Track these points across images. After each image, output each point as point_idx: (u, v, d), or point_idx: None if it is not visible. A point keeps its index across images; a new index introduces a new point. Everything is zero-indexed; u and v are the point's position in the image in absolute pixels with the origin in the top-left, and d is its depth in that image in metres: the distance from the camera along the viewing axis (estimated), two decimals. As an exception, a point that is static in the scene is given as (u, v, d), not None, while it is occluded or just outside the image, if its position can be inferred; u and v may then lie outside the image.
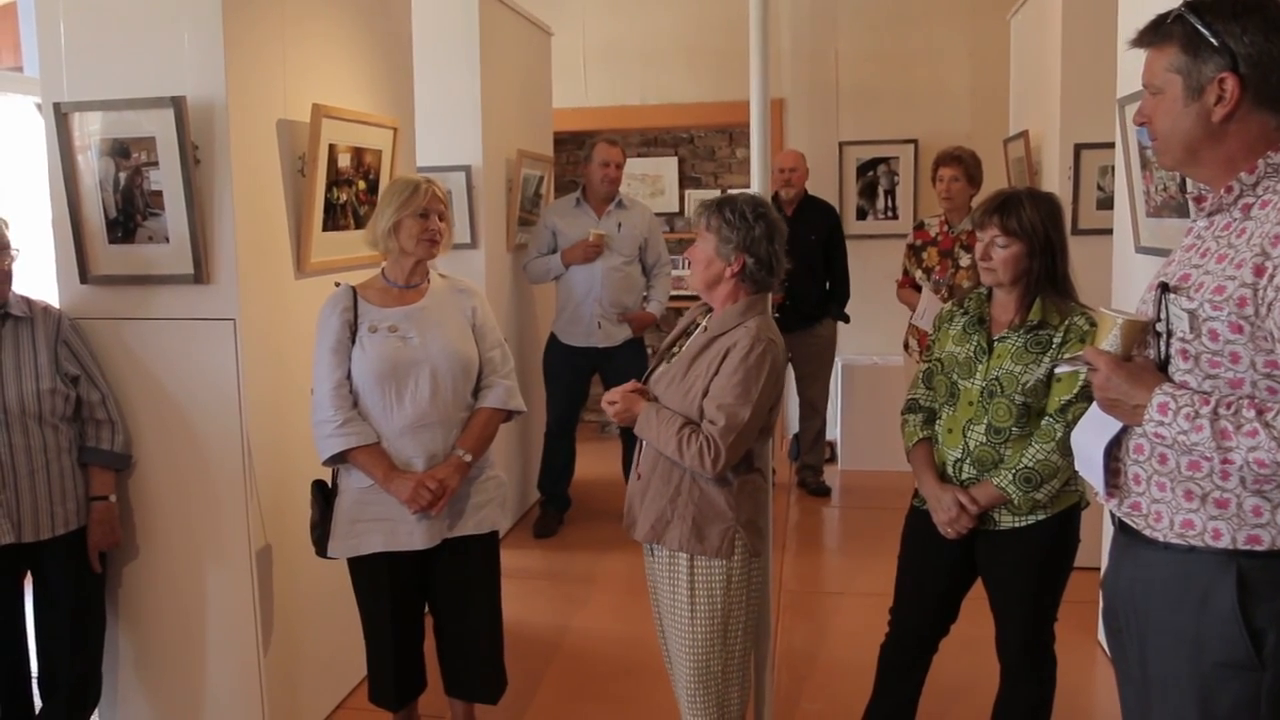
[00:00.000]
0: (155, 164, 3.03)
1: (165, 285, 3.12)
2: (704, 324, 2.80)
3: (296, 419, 3.20)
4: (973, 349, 2.83)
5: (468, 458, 2.97)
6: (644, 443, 2.79)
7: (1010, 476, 2.71)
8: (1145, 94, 1.96)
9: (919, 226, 5.40)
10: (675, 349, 2.86)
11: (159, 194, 3.05)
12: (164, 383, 3.18)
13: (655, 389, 2.76)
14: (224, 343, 3.12)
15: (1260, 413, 1.75)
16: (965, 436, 2.80)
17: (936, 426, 2.91)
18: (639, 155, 8.05)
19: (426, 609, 3.16)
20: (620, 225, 5.46)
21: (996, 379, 2.74)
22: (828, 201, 6.23)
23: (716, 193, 2.90)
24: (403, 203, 2.96)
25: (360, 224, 3.62)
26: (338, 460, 2.93)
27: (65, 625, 3.08)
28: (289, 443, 3.33)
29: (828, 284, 6.13)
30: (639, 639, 4.26)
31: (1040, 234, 2.72)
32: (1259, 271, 1.75)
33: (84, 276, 3.16)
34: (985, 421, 2.76)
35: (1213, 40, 1.83)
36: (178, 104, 2.97)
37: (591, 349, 5.45)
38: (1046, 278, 2.74)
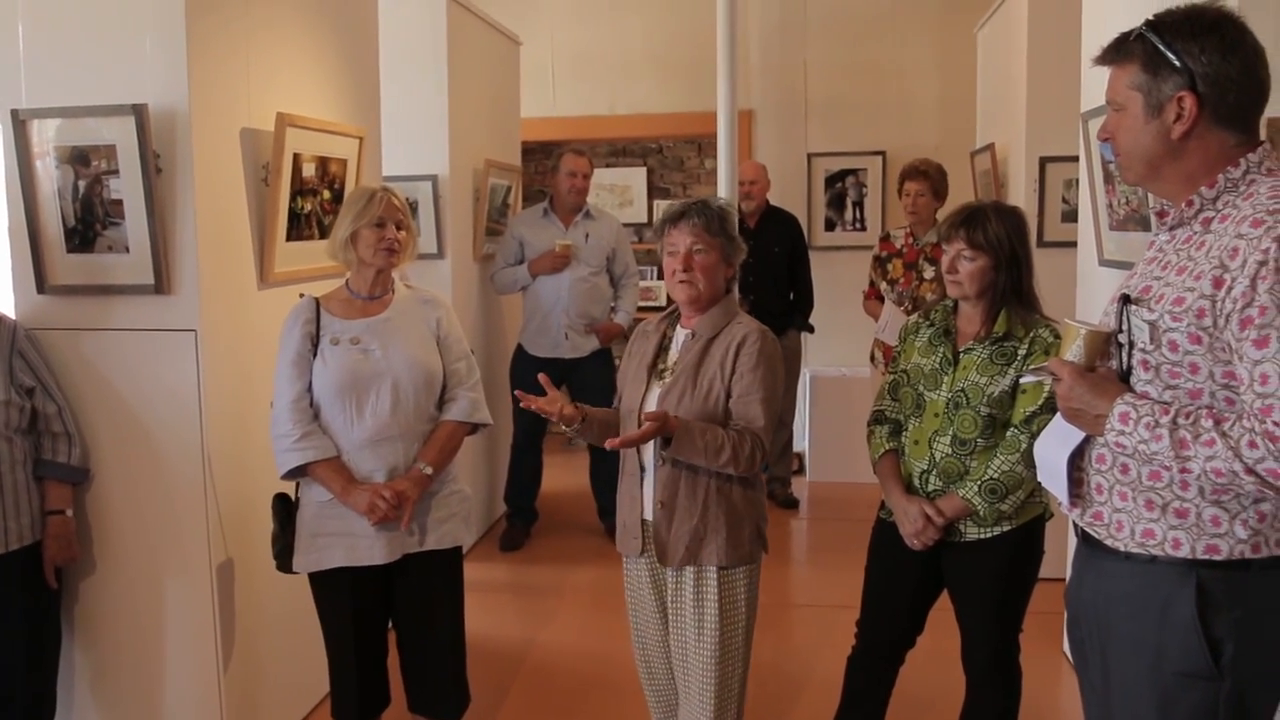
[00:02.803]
0: (115, 172, 3.00)
1: (125, 295, 3.09)
2: (691, 331, 2.80)
3: (258, 432, 3.18)
4: (939, 361, 2.84)
5: (428, 470, 2.95)
6: (654, 471, 2.77)
7: (976, 488, 2.73)
8: (1108, 110, 1.99)
9: (885, 238, 5.44)
10: (661, 365, 2.85)
11: (119, 203, 3.02)
12: (123, 395, 3.15)
13: (666, 405, 2.73)
14: (185, 354, 3.10)
15: (1217, 422, 1.78)
16: (931, 448, 2.81)
17: (903, 438, 2.92)
18: (607, 165, 8.05)
19: (390, 624, 3.14)
20: (588, 235, 5.46)
21: (962, 390, 2.76)
22: (790, 213, 6.25)
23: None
24: (358, 213, 2.95)
25: (325, 234, 3.60)
26: (297, 474, 2.92)
27: (20, 642, 3.03)
28: (251, 456, 3.31)
29: (791, 295, 6.16)
30: (607, 654, 4.25)
31: (1006, 247, 2.75)
32: (1217, 284, 1.78)
33: (41, 286, 3.13)
34: (951, 433, 2.78)
35: (1173, 59, 1.86)
36: (139, 111, 2.95)
37: (559, 360, 5.44)
38: (1012, 290, 2.77)
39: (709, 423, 2.68)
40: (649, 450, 2.79)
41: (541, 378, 2.82)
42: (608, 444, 2.64)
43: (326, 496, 2.91)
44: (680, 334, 2.86)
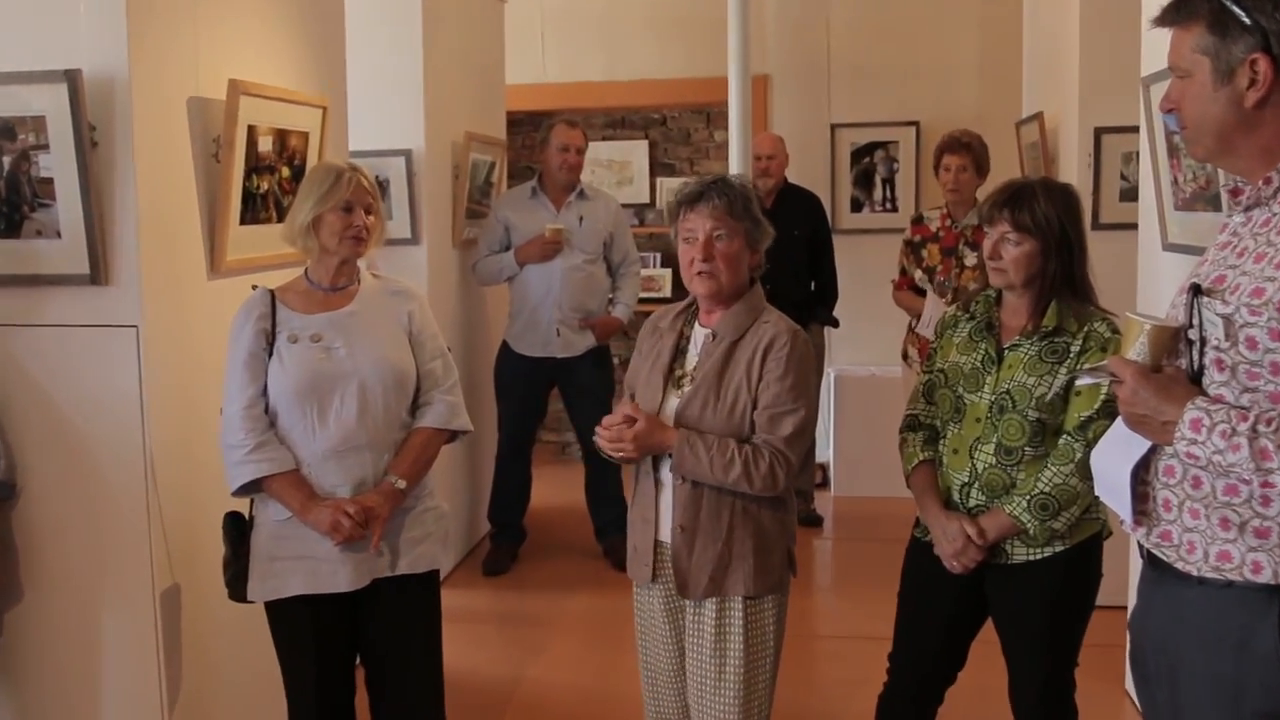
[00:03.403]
0: (45, 147, 2.98)
1: (56, 287, 3.08)
2: (712, 331, 2.79)
3: (208, 441, 3.17)
4: (980, 359, 2.84)
5: (401, 484, 2.95)
6: (669, 491, 2.76)
7: (1024, 503, 2.72)
8: (1172, 77, 1.97)
9: (917, 221, 5.42)
10: (679, 370, 2.84)
11: (49, 182, 3.00)
12: (55, 399, 3.13)
13: (685, 419, 2.73)
14: (125, 353, 3.09)
15: (1304, 431, 1.76)
16: (972, 458, 2.81)
17: (940, 446, 2.92)
18: (604, 139, 8.04)
19: (357, 660, 3.13)
20: (582, 218, 5.45)
21: (1007, 392, 2.76)
22: (811, 191, 6.25)
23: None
24: (323, 195, 2.94)
25: (284, 216, 3.59)
26: (251, 490, 2.91)
27: (-62, 680, 3.02)
28: (200, 469, 3.30)
29: (813, 285, 6.15)
30: (606, 692, 4.24)
31: (1056, 230, 2.74)
32: (1302, 272, 1.76)
33: (-40, 277, 3.12)
34: (995, 440, 2.77)
35: (1243, 18, 1.84)
36: (72, 79, 2.94)
37: (549, 359, 5.44)
38: (1063, 279, 2.77)
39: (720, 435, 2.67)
40: (666, 464, 2.78)
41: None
42: (621, 404, 2.73)
43: (284, 515, 2.91)
44: (699, 333, 2.84)
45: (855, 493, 6.70)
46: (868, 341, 6.96)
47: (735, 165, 5.86)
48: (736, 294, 2.77)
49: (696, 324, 2.86)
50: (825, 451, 6.94)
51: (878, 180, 7.15)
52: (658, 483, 2.79)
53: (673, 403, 2.77)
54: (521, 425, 5.61)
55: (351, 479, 2.91)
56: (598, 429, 2.79)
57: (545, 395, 5.66)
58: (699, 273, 2.74)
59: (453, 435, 3.11)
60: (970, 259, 5.11)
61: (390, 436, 2.97)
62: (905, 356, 5.51)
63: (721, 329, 2.76)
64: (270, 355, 2.92)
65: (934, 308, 5.14)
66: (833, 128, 7.13)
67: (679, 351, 2.86)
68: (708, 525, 2.72)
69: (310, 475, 2.90)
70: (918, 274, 5.32)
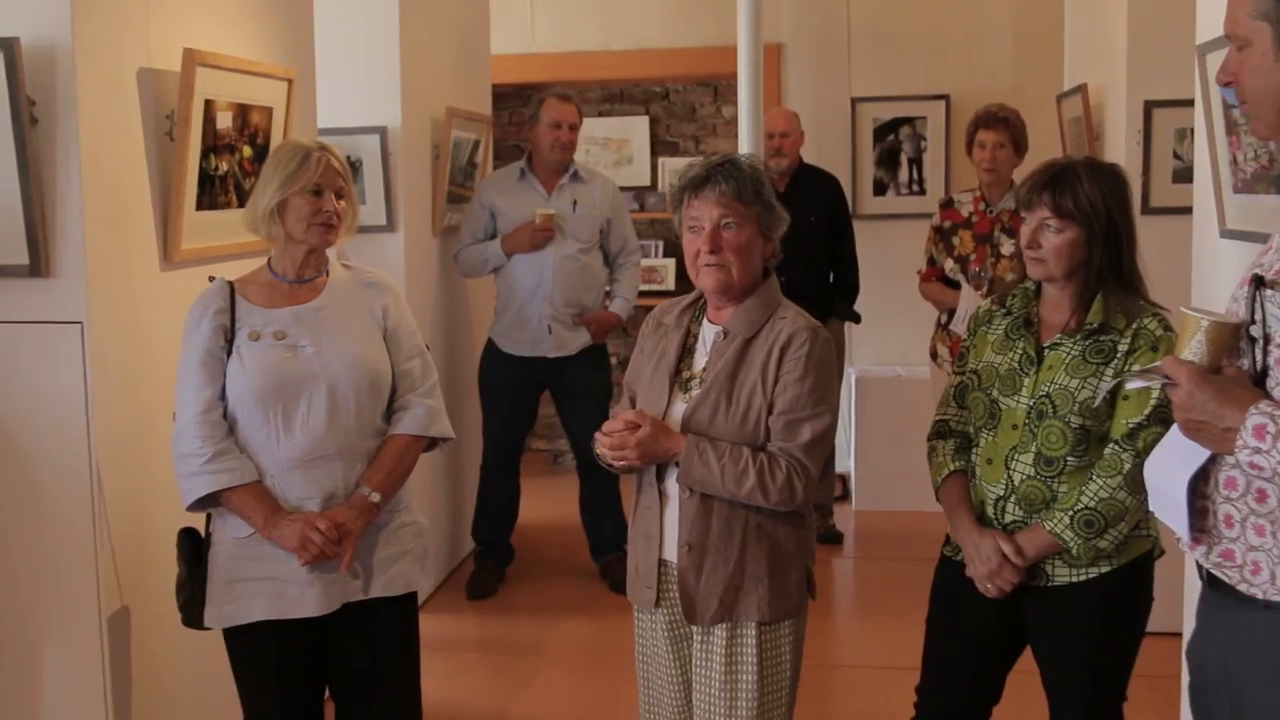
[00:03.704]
0: (-22, 124, 2.98)
1: (-8, 279, 3.08)
2: (723, 329, 2.79)
3: (161, 450, 3.17)
4: (1017, 359, 2.84)
5: (375, 497, 2.95)
6: (675, 505, 2.76)
7: (1066, 519, 2.72)
8: (1229, 47, 1.96)
9: (947, 205, 5.42)
10: (686, 372, 2.83)
11: (-17, 162, 3.00)
12: (-10, 404, 3.13)
13: (694, 424, 2.73)
14: (69, 352, 3.08)
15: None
16: (1009, 468, 2.81)
17: (973, 456, 2.92)
18: (600, 114, 8.04)
19: (326, 693, 3.13)
20: (576, 203, 5.45)
21: (1047, 396, 2.75)
22: (829, 173, 6.25)
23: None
24: (288, 176, 2.94)
25: (245, 201, 3.58)
26: (208, 504, 2.91)
27: None
28: (152, 480, 3.30)
29: (831, 276, 6.15)
30: (600, 726, 4.25)
31: (1101, 215, 2.74)
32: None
33: (-114, 268, 3.11)
34: (1033, 450, 2.77)
35: None
36: (8, 47, 2.92)
37: (540, 359, 5.43)
38: (1109, 269, 2.76)
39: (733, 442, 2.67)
40: (672, 471, 2.77)
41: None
42: (617, 413, 2.75)
43: (246, 531, 2.90)
44: (709, 331, 2.84)
45: (879, 506, 6.70)
46: (892, 339, 6.97)
47: (745, 144, 5.85)
48: (748, 288, 2.77)
49: (705, 320, 2.86)
50: (845, 461, 6.93)
51: (903, 160, 7.14)
52: (662, 495, 2.78)
53: (679, 407, 2.77)
54: (509, 432, 5.60)
55: (320, 491, 2.91)
56: (598, 435, 2.79)
57: (535, 399, 5.65)
58: (706, 265, 2.73)
59: (432, 443, 3.11)
60: (1007, 247, 5.11)
61: (363, 444, 2.98)
62: (934, 355, 5.51)
63: (734, 326, 2.76)
64: (229, 354, 2.92)
65: (969, 301, 5.13)
66: (853, 102, 7.12)
67: (686, 351, 2.85)
68: (718, 543, 2.71)
69: (274, 487, 2.90)
70: (948, 264, 5.32)
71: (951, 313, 5.30)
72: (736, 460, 2.63)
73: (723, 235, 2.71)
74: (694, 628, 2.78)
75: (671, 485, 2.76)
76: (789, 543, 2.75)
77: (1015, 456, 2.80)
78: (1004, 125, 5.21)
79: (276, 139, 3.79)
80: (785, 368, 2.68)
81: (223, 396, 2.91)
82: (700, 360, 2.81)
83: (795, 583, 2.76)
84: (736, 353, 2.73)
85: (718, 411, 2.70)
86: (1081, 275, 2.78)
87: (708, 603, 2.73)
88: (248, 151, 3.68)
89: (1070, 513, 2.71)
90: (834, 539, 6.23)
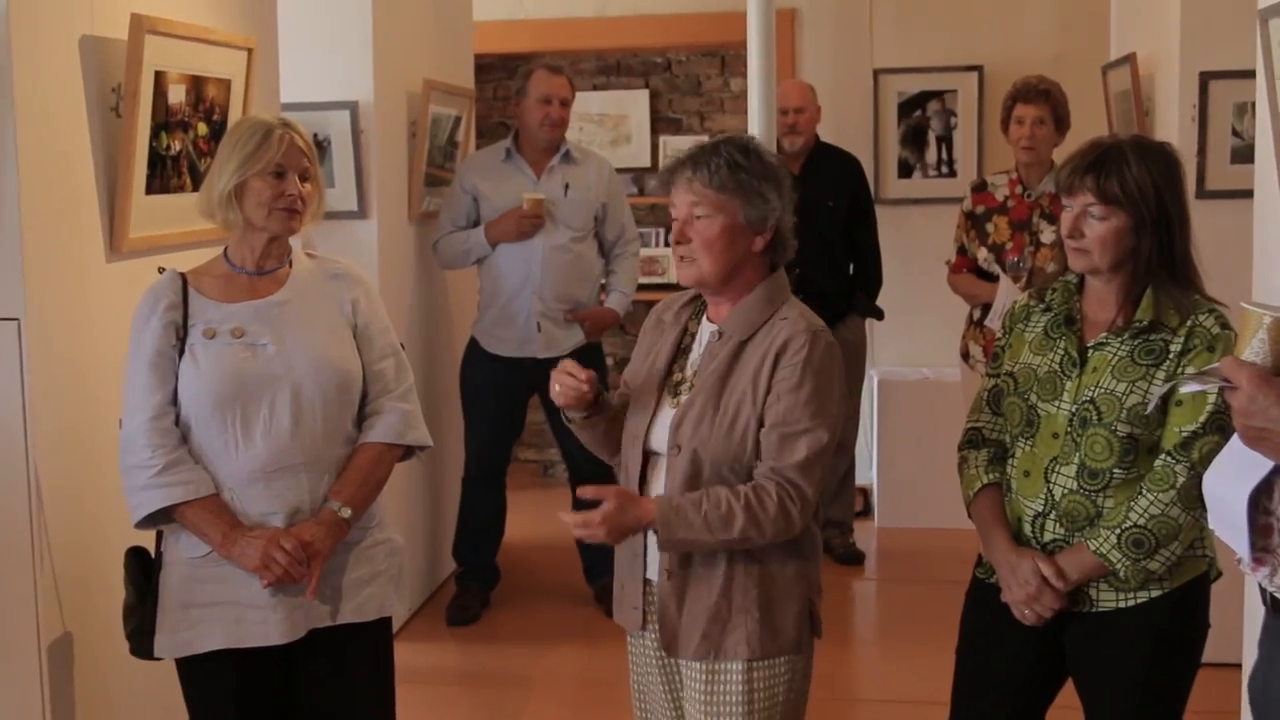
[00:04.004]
0: (-98, 99, 2.99)
1: (-82, 271, 3.07)
2: (716, 329, 2.79)
3: (107, 460, 3.16)
4: (1058, 360, 2.83)
5: (346, 513, 2.94)
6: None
7: (1113, 538, 2.71)
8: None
9: (979, 188, 5.41)
10: (678, 376, 2.83)
11: (-93, 142, 3.01)
12: (-84, 409, 3.12)
13: (680, 435, 2.73)
14: (4, 352, 3.07)
15: None
16: (1048, 482, 2.80)
17: (1009, 468, 2.92)
18: (594, 88, 8.03)
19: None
20: (568, 187, 5.45)
21: (1091, 401, 2.75)
22: (849, 153, 6.25)
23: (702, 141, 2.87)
24: (248, 156, 2.93)
25: (200, 183, 3.58)
26: (158, 520, 2.90)
27: None
28: (98, 492, 3.29)
29: (851, 268, 6.16)
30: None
31: (1151, 200, 2.73)
32: None
33: None
34: (1076, 461, 2.77)
35: None
36: (-64, 13, 2.93)
37: (528, 360, 5.42)
38: (1160, 261, 2.75)
39: (717, 478, 2.66)
40: (658, 483, 2.77)
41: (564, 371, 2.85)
42: (579, 491, 2.65)
43: (201, 550, 2.90)
44: (706, 330, 2.84)
45: (904, 523, 6.70)
46: (919, 337, 6.96)
47: (755, 121, 5.81)
48: (736, 284, 2.76)
49: (704, 319, 2.86)
50: (867, 473, 6.93)
51: (931, 138, 7.14)
52: None
53: (667, 413, 2.78)
54: (494, 441, 5.60)
55: (284, 506, 2.91)
56: (561, 516, 2.75)
57: (523, 404, 5.65)
58: (678, 258, 2.76)
59: (408, 452, 3.11)
60: (1047, 235, 5.10)
61: (331, 453, 2.98)
62: (966, 356, 5.51)
63: (729, 326, 2.75)
64: (181, 354, 2.92)
65: (1008, 295, 5.11)
66: (876, 74, 7.11)
67: (681, 351, 2.85)
68: (701, 571, 2.71)
69: (233, 502, 2.90)
70: (980, 253, 5.32)
71: (985, 308, 5.30)
72: (718, 505, 2.61)
73: (693, 226, 2.72)
74: (680, 660, 2.78)
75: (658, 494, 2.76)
76: (784, 573, 2.72)
77: (1056, 468, 2.79)
78: (1044, 99, 5.20)
79: (235, 115, 3.78)
80: (779, 375, 2.66)
81: (175, 401, 2.90)
82: (693, 363, 2.81)
83: (793, 617, 2.73)
84: (730, 355, 2.72)
85: (703, 420, 2.69)
86: (1129, 267, 2.77)
87: (690, 635, 2.72)
88: (203, 129, 3.67)
89: (1117, 531, 2.70)
90: (854, 559, 6.23)
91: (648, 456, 2.81)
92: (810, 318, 2.74)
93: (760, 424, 2.67)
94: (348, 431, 3.02)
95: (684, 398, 2.76)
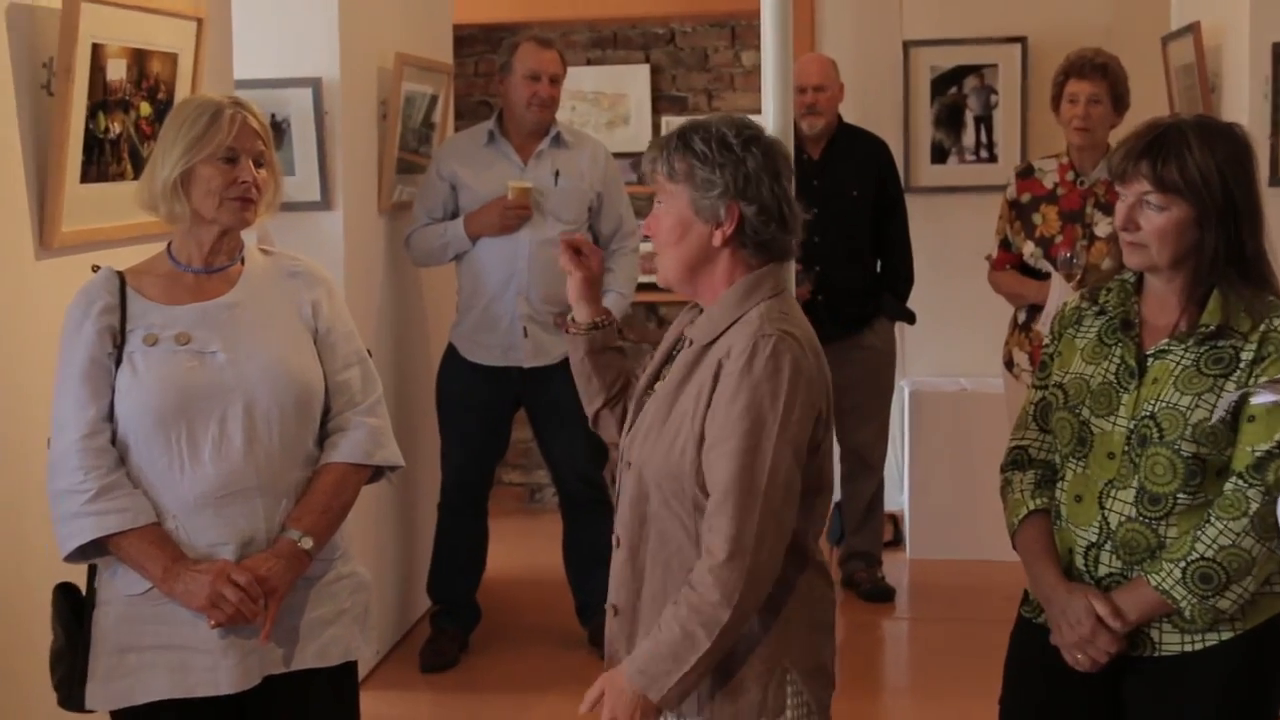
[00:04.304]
0: None
1: None
2: (687, 333, 2.79)
3: (33, 484, 3.16)
4: (1114, 369, 2.83)
5: (306, 543, 2.94)
6: (612, 553, 2.78)
7: (1177, 573, 2.70)
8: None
9: (1026, 174, 5.41)
10: (657, 387, 2.84)
11: None
12: None
13: (630, 450, 2.74)
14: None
15: None
16: (1103, 508, 2.79)
17: (1058, 492, 2.91)
18: (588, 62, 8.04)
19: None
20: (558, 174, 5.45)
21: (1151, 417, 2.74)
22: (876, 136, 6.26)
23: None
24: (195, 139, 2.92)
25: (142, 170, 3.59)
26: (91, 553, 2.88)
27: None
28: (23, 520, 3.29)
29: (878, 265, 6.18)
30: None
31: (1216, 189, 2.72)
32: None
33: None
34: (1135, 484, 2.76)
35: None
36: None
37: (513, 370, 5.44)
38: (1228, 257, 2.74)
39: (669, 485, 2.64)
40: (622, 500, 2.78)
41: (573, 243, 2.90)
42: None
43: (141, 587, 2.89)
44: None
45: (939, 554, 6.69)
46: (955, 343, 6.97)
47: (770, 100, 5.77)
48: (706, 284, 2.74)
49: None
50: (898, 497, 6.93)
51: (968, 119, 7.14)
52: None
53: (634, 426, 2.81)
54: (474, 461, 5.59)
55: (236, 535, 2.91)
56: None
57: (507, 420, 5.65)
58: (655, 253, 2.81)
59: (377, 473, 3.11)
60: (1103, 227, 5.10)
61: (289, 476, 2.98)
62: (1009, 364, 5.51)
63: (695, 331, 2.75)
64: (119, 364, 2.90)
65: (1059, 295, 5.09)
66: (906, 46, 7.12)
67: (669, 358, 2.87)
68: (651, 609, 2.69)
69: (177, 531, 2.89)
70: (1026, 247, 5.31)
71: (1031, 310, 5.30)
72: (670, 629, 2.56)
73: (655, 219, 2.76)
74: None
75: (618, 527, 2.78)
76: (757, 622, 2.65)
77: (1111, 493, 2.78)
78: (1101, 74, 5.18)
79: (183, 94, 3.78)
80: (719, 386, 2.61)
81: (111, 417, 2.90)
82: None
83: (756, 678, 2.65)
84: (688, 365, 2.71)
85: (650, 435, 2.70)
86: (1191, 264, 2.76)
87: None
88: (146, 109, 3.67)
89: (1182, 564, 2.69)
90: (883, 596, 6.21)
91: None
92: (769, 322, 2.64)
93: (701, 441, 2.62)
94: (308, 450, 3.01)
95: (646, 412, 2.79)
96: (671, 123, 7.87)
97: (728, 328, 2.67)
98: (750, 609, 2.57)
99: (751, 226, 2.69)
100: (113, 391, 2.90)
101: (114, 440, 2.90)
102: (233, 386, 2.91)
